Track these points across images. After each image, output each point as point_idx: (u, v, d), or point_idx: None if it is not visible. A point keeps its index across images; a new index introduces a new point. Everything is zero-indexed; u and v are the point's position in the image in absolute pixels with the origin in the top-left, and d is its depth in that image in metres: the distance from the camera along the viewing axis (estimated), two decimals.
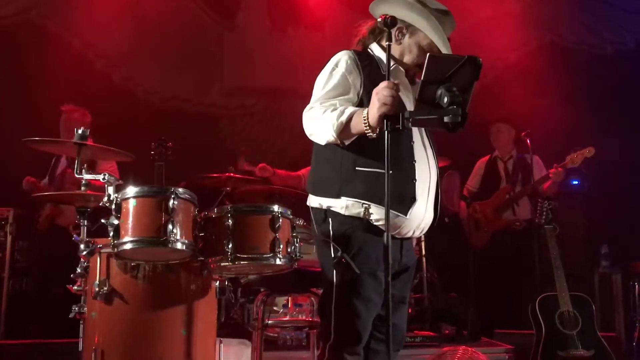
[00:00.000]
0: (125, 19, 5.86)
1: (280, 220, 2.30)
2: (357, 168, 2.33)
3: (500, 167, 5.13)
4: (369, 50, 2.54)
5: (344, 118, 2.20)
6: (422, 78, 2.09)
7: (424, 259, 4.77)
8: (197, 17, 6.24)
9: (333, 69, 2.39)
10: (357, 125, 2.18)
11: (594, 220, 5.59)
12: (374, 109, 2.09)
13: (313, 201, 2.45)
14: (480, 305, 4.74)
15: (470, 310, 4.56)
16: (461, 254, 5.13)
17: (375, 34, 2.54)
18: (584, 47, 6.44)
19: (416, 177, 2.37)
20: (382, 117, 2.07)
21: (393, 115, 2.08)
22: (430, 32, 2.38)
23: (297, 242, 2.41)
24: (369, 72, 2.40)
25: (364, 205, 2.31)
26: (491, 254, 4.95)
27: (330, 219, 2.37)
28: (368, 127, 2.14)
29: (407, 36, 2.45)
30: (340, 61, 2.40)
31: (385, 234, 2.01)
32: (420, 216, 2.40)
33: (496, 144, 5.19)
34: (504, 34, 6.22)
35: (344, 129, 2.21)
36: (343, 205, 2.34)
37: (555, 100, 5.71)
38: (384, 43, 2.47)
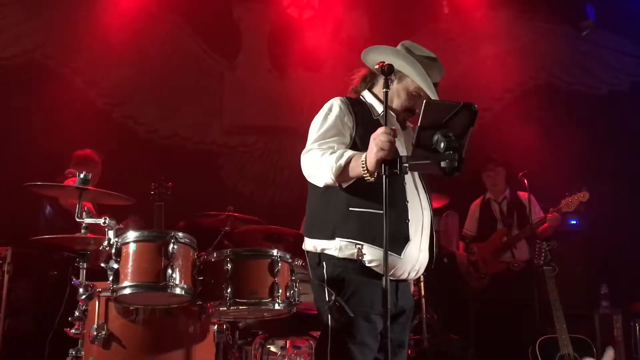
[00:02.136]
0: (126, 58, 5.95)
1: (280, 264, 2.30)
2: (350, 208, 2.36)
3: (494, 208, 5.11)
4: (360, 97, 2.62)
5: (342, 161, 2.24)
6: (418, 124, 2.13)
7: (423, 300, 4.73)
8: (198, 57, 6.34)
9: (327, 114, 2.46)
10: (356, 169, 2.22)
11: (593, 260, 5.56)
12: (372, 154, 2.14)
13: (308, 244, 2.47)
14: (480, 346, 4.69)
15: (470, 352, 4.52)
16: (461, 295, 5.09)
17: (367, 82, 2.64)
18: (579, 88, 6.53)
19: (409, 218, 2.40)
20: (380, 162, 2.11)
21: (391, 159, 2.12)
22: (416, 78, 2.47)
23: (296, 286, 2.41)
24: (361, 116, 2.48)
25: (357, 245, 2.33)
26: (491, 296, 4.90)
27: (324, 263, 2.38)
28: (366, 171, 2.18)
29: (395, 82, 2.54)
30: (334, 106, 2.48)
31: (384, 277, 2.02)
32: (414, 257, 2.41)
33: (491, 186, 5.17)
34: (500, 74, 6.32)
35: (342, 172, 2.25)
36: (337, 246, 2.36)
37: (551, 140, 5.76)
38: (375, 90, 2.60)
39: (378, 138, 2.12)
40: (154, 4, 6.13)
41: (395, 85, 2.54)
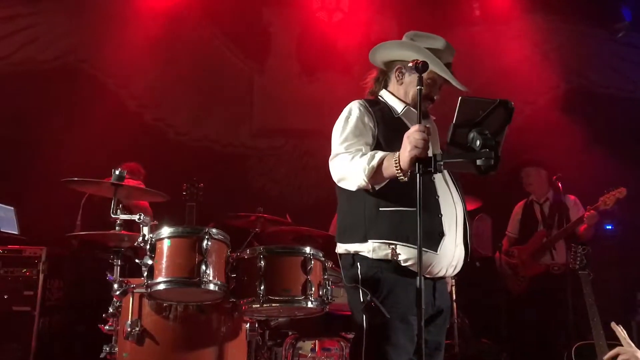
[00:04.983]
0: (158, 62, 6.03)
1: (312, 262, 2.28)
2: (380, 209, 2.32)
3: (536, 210, 5.03)
4: (379, 97, 2.60)
5: (375, 162, 2.21)
6: (453, 121, 2.10)
7: (454, 304, 4.66)
8: (228, 60, 6.39)
9: (347, 117, 2.45)
10: (389, 169, 2.19)
11: (628, 266, 5.43)
12: (406, 152, 2.10)
13: (340, 248, 2.44)
14: (512, 352, 4.60)
15: (502, 358, 4.43)
16: (493, 299, 5.01)
17: (380, 82, 2.62)
18: (612, 91, 6.40)
19: (441, 212, 2.35)
20: (414, 160, 2.08)
21: (425, 158, 2.09)
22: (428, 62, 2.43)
23: (328, 285, 2.38)
24: (381, 115, 2.46)
25: (390, 246, 2.29)
26: (525, 299, 4.83)
27: (358, 263, 2.35)
28: (400, 171, 2.15)
29: (406, 74, 2.53)
30: (353, 109, 2.47)
31: (419, 276, 1.99)
32: (451, 252, 2.36)
33: (529, 188, 5.12)
34: (533, 77, 6.22)
35: (375, 173, 2.21)
36: (370, 248, 2.32)
37: (586, 143, 5.65)
38: (390, 87, 2.58)
39: (412, 136, 2.09)
40: (185, 8, 6.20)
41: (407, 78, 2.52)
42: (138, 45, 5.88)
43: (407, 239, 2.28)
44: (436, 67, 2.41)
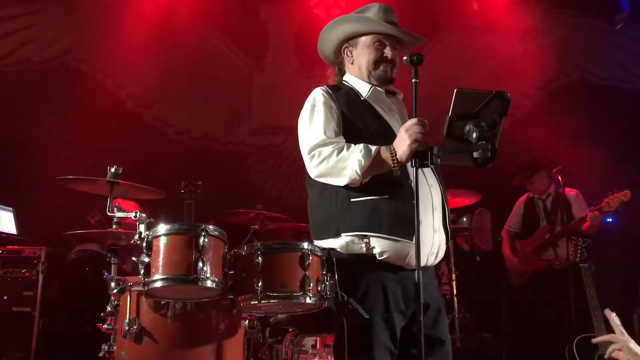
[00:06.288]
0: (156, 61, 6.01)
1: (310, 257, 2.25)
2: (352, 200, 2.27)
3: (538, 205, 5.03)
4: (343, 82, 2.56)
5: (372, 155, 2.18)
6: (449, 114, 2.08)
7: (455, 299, 4.66)
8: (226, 58, 6.37)
9: (312, 105, 2.42)
10: (385, 162, 2.17)
11: (631, 259, 5.42)
12: (404, 145, 2.09)
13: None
14: (515, 346, 4.59)
15: (504, 352, 4.43)
16: (494, 294, 5.00)
17: (338, 74, 2.60)
18: (613, 83, 6.38)
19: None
20: (412, 153, 2.07)
21: (421, 151, 2.08)
22: (364, 26, 2.43)
23: (327, 280, 2.36)
24: (346, 100, 2.42)
25: (364, 239, 2.24)
26: (527, 294, 4.82)
27: (334, 259, 2.29)
28: (396, 163, 2.13)
29: (353, 50, 2.51)
30: (316, 97, 2.43)
31: (416, 271, 1.97)
32: (429, 238, 2.28)
33: (532, 192, 5.09)
34: (532, 71, 6.20)
35: (369, 166, 2.18)
36: (343, 243, 2.28)
37: (585, 137, 5.63)
38: (348, 70, 2.55)
39: (411, 129, 2.08)
40: (182, 7, 6.19)
41: (355, 52, 2.50)
42: (136, 44, 5.87)
43: (379, 229, 2.21)
44: (367, 25, 2.41)
